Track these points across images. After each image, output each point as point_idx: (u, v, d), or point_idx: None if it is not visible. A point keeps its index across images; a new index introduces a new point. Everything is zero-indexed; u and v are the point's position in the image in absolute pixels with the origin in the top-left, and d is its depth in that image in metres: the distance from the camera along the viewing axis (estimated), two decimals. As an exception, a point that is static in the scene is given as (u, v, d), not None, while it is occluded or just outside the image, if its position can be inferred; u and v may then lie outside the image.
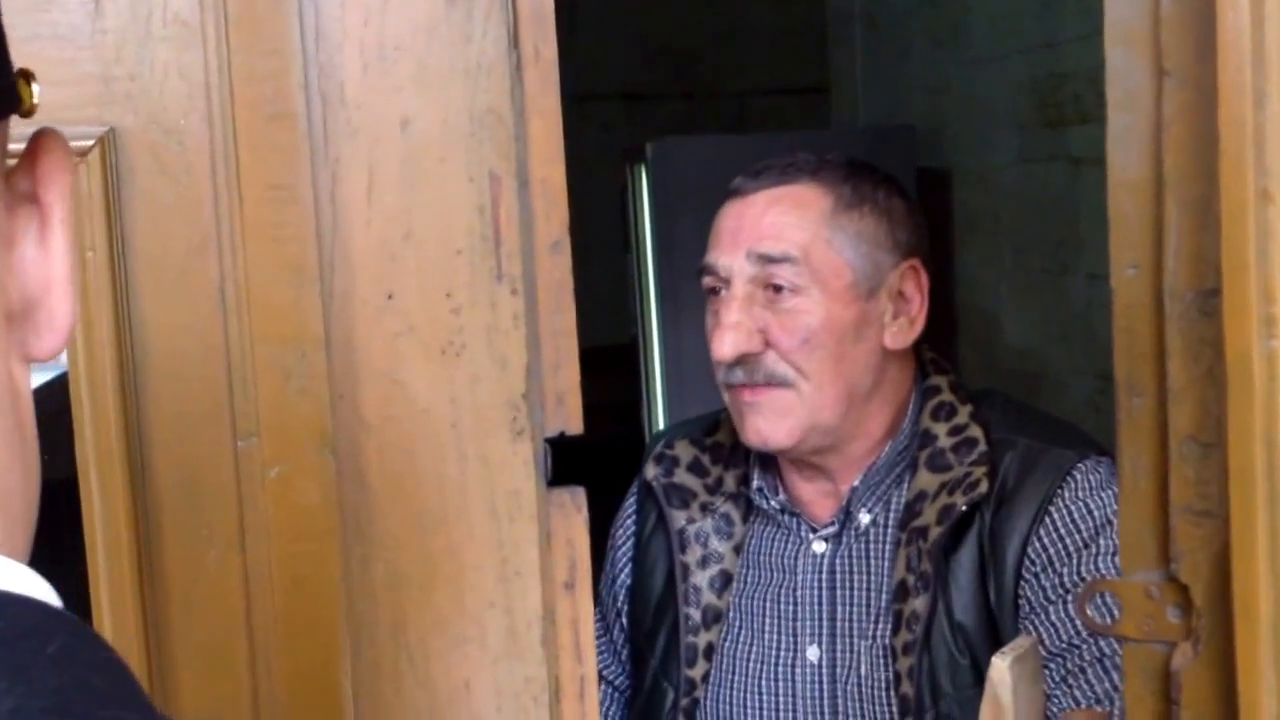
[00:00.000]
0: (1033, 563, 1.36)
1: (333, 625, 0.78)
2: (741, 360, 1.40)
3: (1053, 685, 1.33)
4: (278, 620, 0.78)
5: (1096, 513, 1.36)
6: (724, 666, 1.49)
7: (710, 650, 1.49)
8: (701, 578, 1.50)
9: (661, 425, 4.31)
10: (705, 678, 1.49)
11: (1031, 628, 1.35)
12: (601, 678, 1.65)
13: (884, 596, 1.42)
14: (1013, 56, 3.94)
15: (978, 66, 4.16)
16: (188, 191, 0.77)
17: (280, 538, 0.77)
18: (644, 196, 4.21)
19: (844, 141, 4.30)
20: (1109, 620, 0.80)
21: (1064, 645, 1.34)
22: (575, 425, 0.82)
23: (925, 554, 1.38)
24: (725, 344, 1.39)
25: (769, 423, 1.41)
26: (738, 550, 1.51)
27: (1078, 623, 1.32)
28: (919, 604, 1.37)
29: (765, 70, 6.82)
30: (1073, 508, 1.37)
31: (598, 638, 1.64)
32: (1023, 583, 1.36)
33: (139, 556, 0.76)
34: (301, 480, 0.77)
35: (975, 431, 1.42)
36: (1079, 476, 1.38)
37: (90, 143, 0.75)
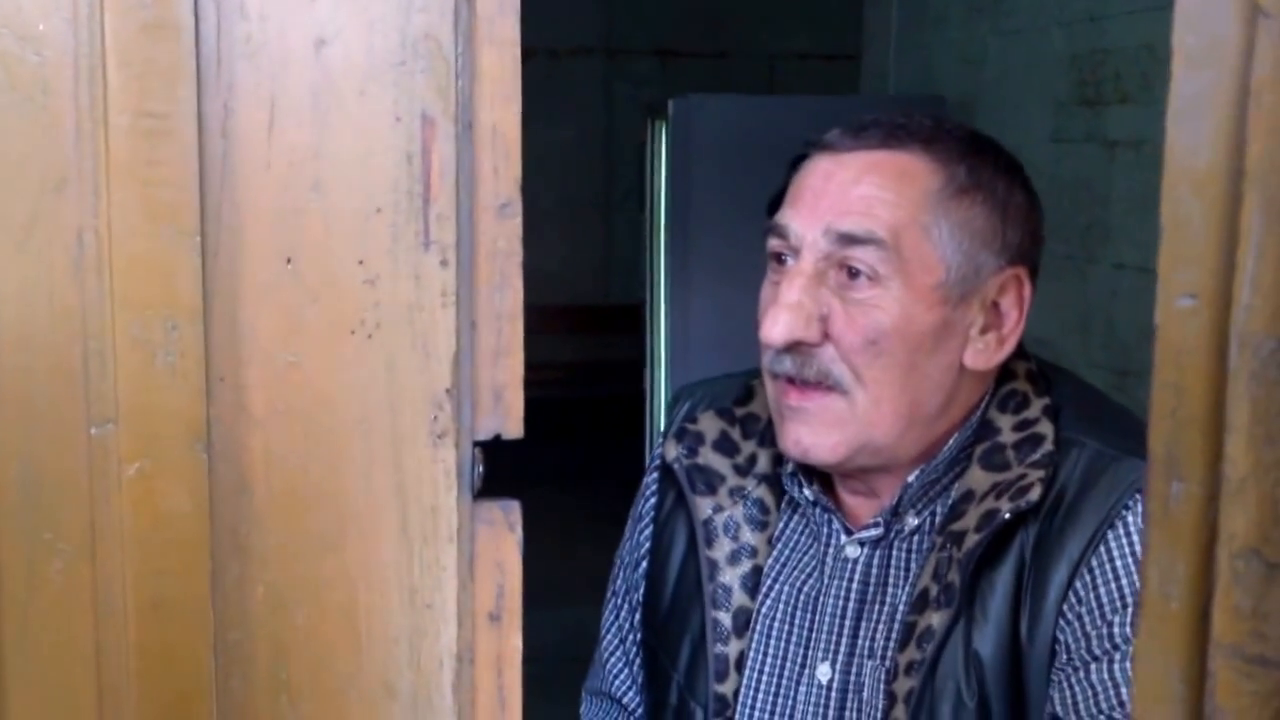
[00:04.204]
0: (1079, 599, 1.14)
1: (198, 658, 0.63)
2: (793, 349, 1.19)
3: None
4: (132, 649, 0.63)
5: None
6: (749, 682, 1.28)
7: (742, 661, 1.28)
8: (732, 576, 1.29)
9: (663, 387, 4.16)
10: (737, 693, 1.28)
11: (1064, 683, 1.14)
12: (611, 698, 1.45)
13: (904, 607, 1.22)
14: (1053, 29, 3.76)
15: (1016, 37, 3.98)
16: (45, 115, 0.62)
17: (139, 549, 0.63)
18: (662, 154, 4.06)
19: (871, 110, 4.14)
20: None
21: (1102, 718, 1.12)
22: (514, 428, 0.67)
23: (956, 563, 1.17)
24: (778, 326, 1.17)
25: (813, 433, 1.21)
26: (771, 542, 1.30)
27: (1124, 692, 1.11)
28: (936, 619, 1.17)
29: (799, 33, 6.66)
30: (1136, 537, 1.13)
31: (612, 650, 1.45)
32: (1063, 622, 1.14)
33: (-39, 564, 0.62)
34: (167, 480, 0.62)
35: (1044, 428, 1.21)
36: None
37: (-79, 48, 0.60)
